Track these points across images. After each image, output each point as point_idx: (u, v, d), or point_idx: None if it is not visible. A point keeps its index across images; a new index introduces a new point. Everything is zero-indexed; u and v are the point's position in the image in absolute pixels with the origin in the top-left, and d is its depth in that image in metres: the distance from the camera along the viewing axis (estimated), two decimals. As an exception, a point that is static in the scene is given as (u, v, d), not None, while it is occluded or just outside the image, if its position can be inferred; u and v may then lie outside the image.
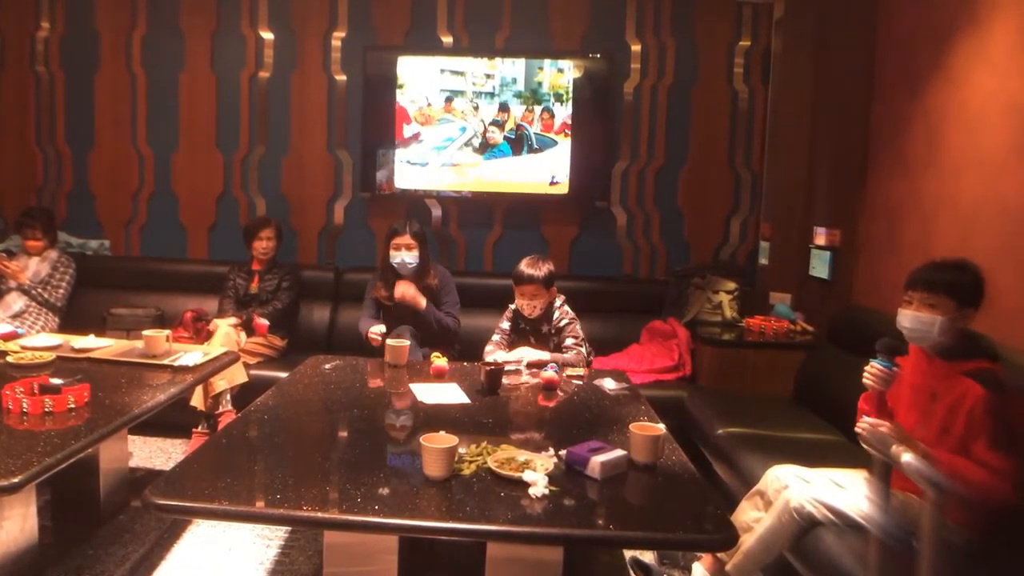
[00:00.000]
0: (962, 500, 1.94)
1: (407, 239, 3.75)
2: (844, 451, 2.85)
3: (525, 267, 3.31)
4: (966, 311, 2.14)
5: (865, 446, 2.02)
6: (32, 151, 4.95)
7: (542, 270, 3.29)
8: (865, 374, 2.26)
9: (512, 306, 3.51)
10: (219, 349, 3.26)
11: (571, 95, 4.54)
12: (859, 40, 3.79)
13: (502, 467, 1.93)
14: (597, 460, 1.95)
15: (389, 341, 3.28)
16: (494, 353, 3.32)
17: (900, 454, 1.76)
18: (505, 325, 3.51)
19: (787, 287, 4.31)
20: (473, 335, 4.20)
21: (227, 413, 3.62)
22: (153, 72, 4.83)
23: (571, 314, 3.43)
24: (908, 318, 2.19)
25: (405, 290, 3.69)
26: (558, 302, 3.43)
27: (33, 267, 4.19)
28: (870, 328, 3.23)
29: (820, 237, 4.03)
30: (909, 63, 3.41)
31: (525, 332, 3.48)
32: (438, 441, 1.92)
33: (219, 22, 4.77)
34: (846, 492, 2.27)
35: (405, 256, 3.72)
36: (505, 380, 2.86)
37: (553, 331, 3.40)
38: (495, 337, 3.49)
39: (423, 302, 3.72)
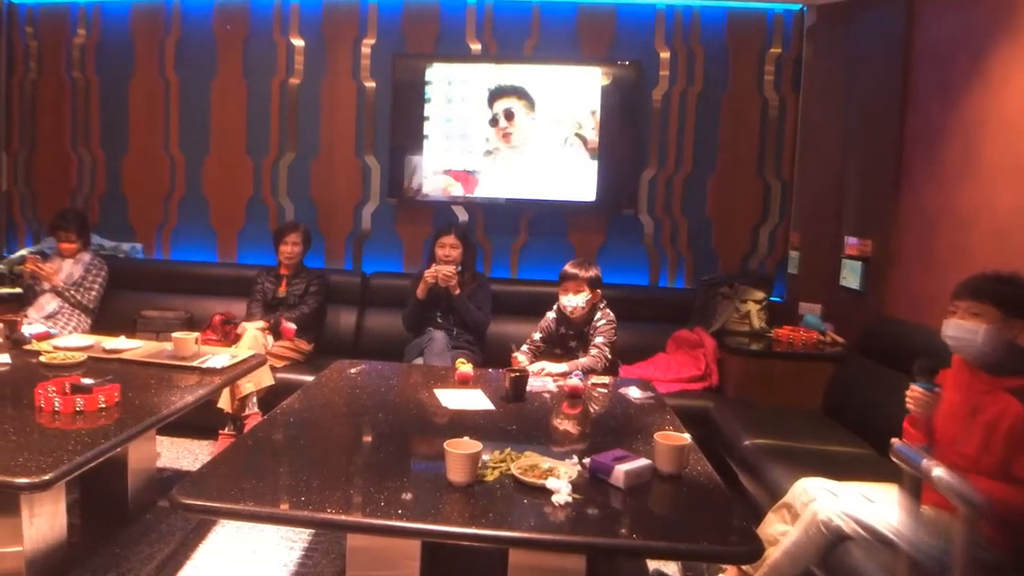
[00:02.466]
0: (996, 519, 1.89)
1: (452, 239, 3.95)
2: (874, 465, 2.79)
3: (571, 266, 3.42)
4: (1013, 322, 2.07)
5: (895, 459, 1.98)
6: (67, 155, 5.06)
7: (589, 271, 3.39)
8: (907, 398, 2.22)
9: (550, 314, 3.56)
10: (246, 352, 3.28)
11: (597, 115, 4.54)
12: (892, 48, 3.73)
13: (525, 474, 1.92)
14: (621, 469, 1.93)
15: (437, 265, 3.84)
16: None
17: (931, 468, 1.73)
18: (536, 336, 3.55)
19: (817, 297, 4.26)
20: (499, 341, 4.20)
21: (253, 415, 3.65)
22: (186, 78, 4.92)
23: (611, 316, 3.46)
24: (952, 326, 2.14)
25: (447, 279, 3.83)
26: (601, 305, 3.48)
27: (66, 269, 4.26)
28: (903, 340, 3.19)
29: (851, 247, 3.97)
30: (945, 71, 3.35)
31: (565, 337, 3.50)
32: (462, 447, 1.92)
33: (251, 29, 4.84)
34: (876, 506, 2.22)
35: (451, 252, 3.93)
36: (529, 388, 2.85)
37: (592, 331, 3.43)
38: (523, 347, 3.49)
39: (456, 289, 3.88)
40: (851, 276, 3.96)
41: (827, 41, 4.30)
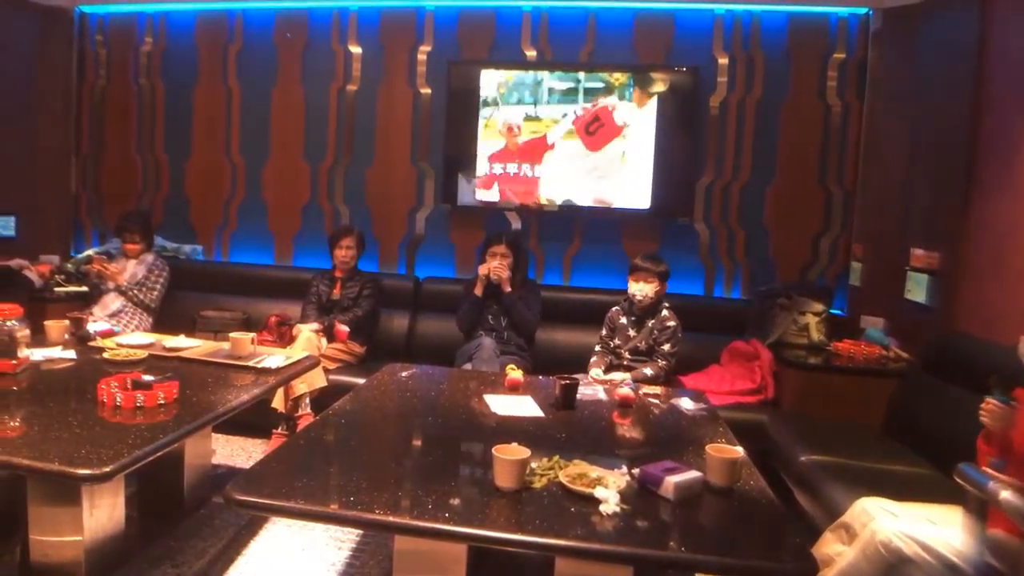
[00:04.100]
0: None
1: (502, 248, 4.00)
2: (938, 486, 2.67)
3: (641, 260, 3.64)
4: None
5: (960, 480, 1.90)
6: (133, 159, 5.23)
7: (659, 266, 3.62)
8: (982, 411, 2.12)
9: (615, 307, 3.73)
10: (301, 353, 3.33)
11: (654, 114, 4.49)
12: (964, 52, 3.58)
13: (574, 482, 1.90)
14: (671, 480, 1.89)
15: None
16: (592, 368, 3.59)
17: (998, 491, 1.65)
18: (603, 331, 3.74)
19: (880, 311, 4.12)
20: (548, 348, 4.20)
21: (306, 416, 3.70)
22: (247, 85, 5.04)
23: (677, 321, 3.61)
24: None
25: (499, 271, 3.96)
26: (666, 304, 3.64)
27: (130, 269, 4.40)
28: (973, 357, 3.05)
29: (918, 259, 3.82)
30: (1021, 74, 3.21)
31: (624, 327, 3.64)
32: (510, 453, 1.91)
33: (310, 37, 4.93)
34: (939, 528, 2.12)
35: (501, 262, 3.99)
36: (579, 396, 2.82)
37: (657, 328, 3.58)
38: (597, 347, 3.72)
39: (507, 287, 3.98)
40: (917, 289, 3.81)
41: (894, 46, 4.16)
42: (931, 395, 3.21)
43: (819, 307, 4.14)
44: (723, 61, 4.56)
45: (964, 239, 3.54)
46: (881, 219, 4.19)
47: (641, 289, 3.57)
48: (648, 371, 3.48)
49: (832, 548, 2.35)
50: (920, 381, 3.37)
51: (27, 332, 2.73)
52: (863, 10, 4.38)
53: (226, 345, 3.23)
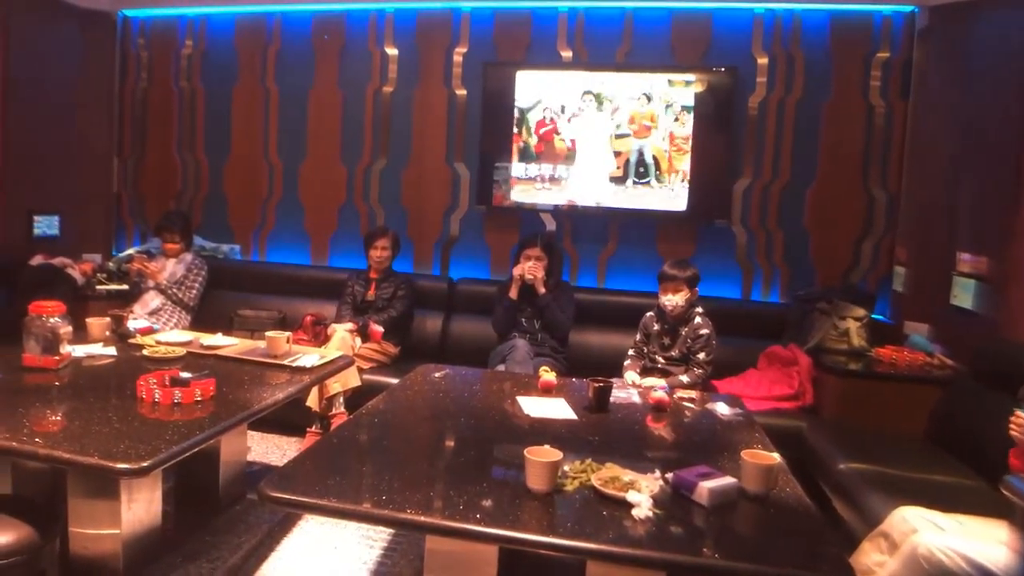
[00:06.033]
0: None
1: (536, 251, 3.99)
2: (984, 498, 2.58)
3: (669, 267, 3.56)
4: None
5: (1006, 492, 1.83)
6: (173, 160, 5.33)
7: (686, 271, 3.53)
8: (1011, 426, 2.05)
9: (649, 313, 3.68)
10: (335, 353, 3.35)
11: (691, 113, 4.44)
12: (1014, 50, 3.48)
13: (606, 486, 1.87)
14: (705, 486, 1.86)
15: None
16: (627, 372, 3.53)
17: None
18: (638, 337, 3.70)
19: (925, 317, 4.00)
20: (582, 351, 4.17)
21: (339, 415, 3.73)
22: (285, 87, 5.10)
23: (710, 326, 3.53)
24: None
25: (534, 272, 3.95)
26: (699, 310, 3.57)
27: (170, 268, 4.48)
28: (1022, 365, 2.95)
29: (964, 264, 3.70)
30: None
31: (660, 334, 3.60)
32: (542, 455, 1.89)
33: (347, 39, 4.97)
34: (984, 542, 2.05)
35: (535, 264, 3.98)
36: (613, 399, 2.79)
37: (691, 336, 3.52)
38: (630, 352, 3.68)
39: (541, 288, 3.96)
40: (963, 295, 3.70)
41: (941, 44, 4.06)
42: (979, 404, 3.12)
43: (860, 312, 4.04)
44: (763, 61, 4.49)
45: (1013, 244, 3.43)
46: (926, 222, 4.09)
47: (671, 300, 3.50)
48: (684, 378, 3.42)
49: (871, 558, 2.29)
50: (967, 389, 3.27)
51: (69, 329, 2.79)
52: (909, 8, 4.28)
53: (262, 344, 3.26)
